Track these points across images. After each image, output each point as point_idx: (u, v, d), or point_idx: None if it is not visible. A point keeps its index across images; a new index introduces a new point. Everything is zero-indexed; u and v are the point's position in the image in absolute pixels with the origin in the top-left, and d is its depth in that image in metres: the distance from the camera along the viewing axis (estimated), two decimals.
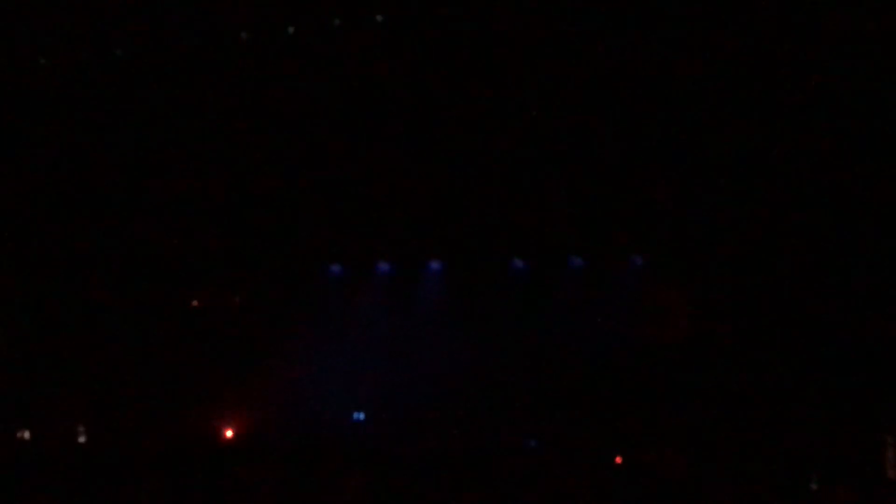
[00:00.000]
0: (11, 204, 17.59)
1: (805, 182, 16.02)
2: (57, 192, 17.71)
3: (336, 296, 18.64)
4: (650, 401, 17.27)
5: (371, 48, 16.34)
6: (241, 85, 16.93)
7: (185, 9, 16.19)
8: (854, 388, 16.03)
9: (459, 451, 17.50)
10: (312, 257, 18.44)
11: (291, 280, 18.53)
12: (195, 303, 18.90)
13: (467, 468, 17.09)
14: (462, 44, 16.16)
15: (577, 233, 17.49)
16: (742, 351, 16.94)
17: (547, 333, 17.85)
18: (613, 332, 17.61)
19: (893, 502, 15.50)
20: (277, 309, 18.51)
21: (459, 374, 17.87)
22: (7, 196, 17.50)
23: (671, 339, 17.46)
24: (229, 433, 18.27)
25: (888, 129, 15.26)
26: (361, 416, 18.43)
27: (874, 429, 16.03)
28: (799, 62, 15.32)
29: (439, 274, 18.43)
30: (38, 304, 18.19)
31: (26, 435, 18.14)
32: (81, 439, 18.26)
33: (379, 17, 16.12)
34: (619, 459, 17.12)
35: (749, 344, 16.91)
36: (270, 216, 17.76)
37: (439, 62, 16.40)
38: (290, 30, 16.30)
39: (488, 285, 18.16)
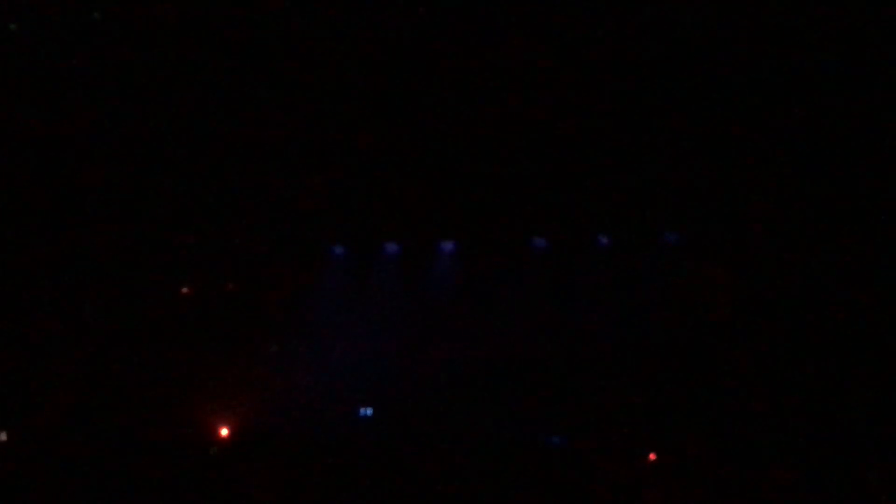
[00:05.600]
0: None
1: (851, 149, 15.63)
2: (42, 173, 17.14)
3: (340, 280, 18.46)
4: (685, 393, 16.92)
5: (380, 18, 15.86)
6: (240, 59, 16.33)
7: None
8: None
9: (476, 451, 16.95)
10: (313, 238, 18.19)
11: (290, 263, 18.18)
12: (185, 290, 18.51)
13: (484, 468, 16.53)
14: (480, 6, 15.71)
15: (604, 208, 17.16)
16: (789, 339, 16.46)
17: (571, 320, 17.68)
18: (644, 317, 17.41)
19: None
20: (275, 295, 18.15)
21: (475, 364, 17.70)
22: None
23: (708, 326, 17.08)
24: (225, 431, 17.92)
25: None
26: (369, 411, 18.19)
27: None
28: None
29: (452, 255, 18.23)
30: (20, 290, 17.69)
31: (3, 436, 17.70)
32: (66, 437, 17.57)
33: None
34: (652, 456, 16.59)
35: (797, 331, 16.43)
36: (267, 192, 17.28)
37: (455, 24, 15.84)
38: None
39: (506, 267, 17.92)
